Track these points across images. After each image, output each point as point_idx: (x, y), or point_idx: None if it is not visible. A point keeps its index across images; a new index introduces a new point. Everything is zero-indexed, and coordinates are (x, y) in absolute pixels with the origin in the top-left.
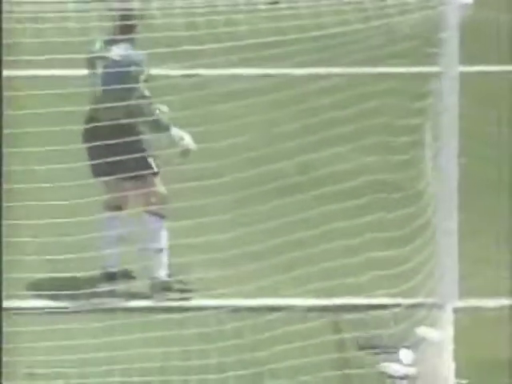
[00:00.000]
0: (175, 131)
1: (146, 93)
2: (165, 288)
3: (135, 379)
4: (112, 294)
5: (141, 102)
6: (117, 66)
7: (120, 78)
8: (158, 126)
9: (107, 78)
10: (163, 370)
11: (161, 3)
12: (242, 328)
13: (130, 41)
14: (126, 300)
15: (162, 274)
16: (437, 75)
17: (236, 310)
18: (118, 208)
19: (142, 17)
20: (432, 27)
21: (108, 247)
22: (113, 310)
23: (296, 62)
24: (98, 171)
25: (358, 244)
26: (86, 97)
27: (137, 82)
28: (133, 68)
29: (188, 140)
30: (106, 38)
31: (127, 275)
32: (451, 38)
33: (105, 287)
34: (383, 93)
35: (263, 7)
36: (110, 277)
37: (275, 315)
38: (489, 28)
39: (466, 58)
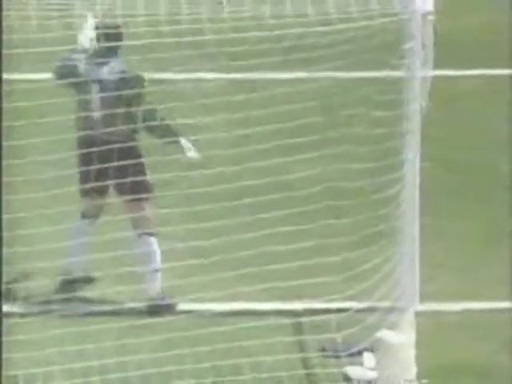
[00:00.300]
0: (183, 140)
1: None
2: (159, 307)
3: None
4: (68, 299)
5: (150, 113)
6: (115, 85)
7: (123, 98)
8: (169, 135)
9: (107, 100)
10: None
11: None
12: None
13: (116, 56)
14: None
15: (156, 293)
16: (400, 80)
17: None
18: (95, 216)
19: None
20: (395, 34)
21: (76, 253)
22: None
23: (263, 66)
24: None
25: (315, 247)
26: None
27: (141, 96)
28: (135, 84)
29: (193, 150)
30: (85, 55)
31: (88, 281)
32: (414, 45)
33: (63, 292)
34: (353, 99)
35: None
36: (71, 282)
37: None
38: (451, 34)
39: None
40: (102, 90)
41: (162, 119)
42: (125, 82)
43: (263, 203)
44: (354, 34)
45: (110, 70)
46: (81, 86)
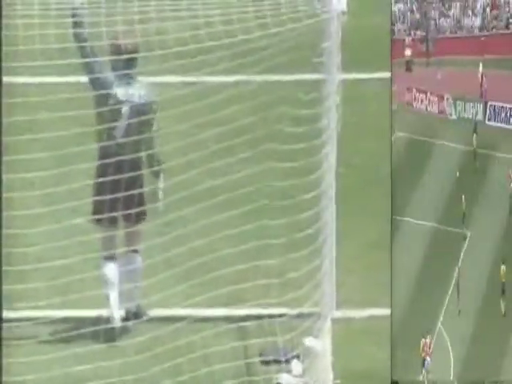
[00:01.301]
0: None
1: (156, 126)
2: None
3: None
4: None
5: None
6: (140, 106)
7: (144, 118)
8: (158, 161)
9: (132, 119)
10: None
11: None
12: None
13: (134, 77)
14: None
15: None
16: (320, 83)
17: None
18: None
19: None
20: (317, 36)
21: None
22: None
23: (208, 70)
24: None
25: (245, 252)
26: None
27: (154, 117)
28: (154, 106)
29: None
30: (119, 78)
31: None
32: (331, 46)
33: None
34: (276, 101)
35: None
36: (138, 315)
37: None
38: (360, 35)
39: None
40: (131, 111)
41: (159, 163)
42: (147, 106)
43: (208, 207)
44: (284, 37)
45: (135, 93)
46: (108, 106)
